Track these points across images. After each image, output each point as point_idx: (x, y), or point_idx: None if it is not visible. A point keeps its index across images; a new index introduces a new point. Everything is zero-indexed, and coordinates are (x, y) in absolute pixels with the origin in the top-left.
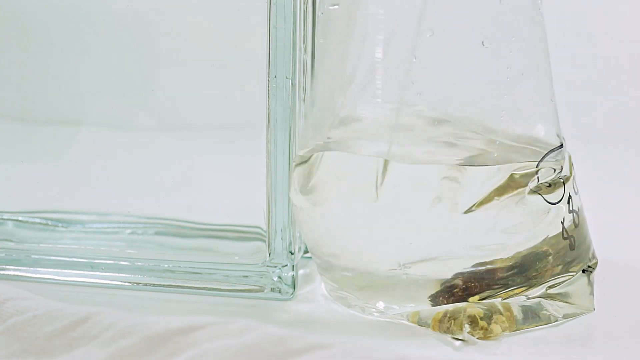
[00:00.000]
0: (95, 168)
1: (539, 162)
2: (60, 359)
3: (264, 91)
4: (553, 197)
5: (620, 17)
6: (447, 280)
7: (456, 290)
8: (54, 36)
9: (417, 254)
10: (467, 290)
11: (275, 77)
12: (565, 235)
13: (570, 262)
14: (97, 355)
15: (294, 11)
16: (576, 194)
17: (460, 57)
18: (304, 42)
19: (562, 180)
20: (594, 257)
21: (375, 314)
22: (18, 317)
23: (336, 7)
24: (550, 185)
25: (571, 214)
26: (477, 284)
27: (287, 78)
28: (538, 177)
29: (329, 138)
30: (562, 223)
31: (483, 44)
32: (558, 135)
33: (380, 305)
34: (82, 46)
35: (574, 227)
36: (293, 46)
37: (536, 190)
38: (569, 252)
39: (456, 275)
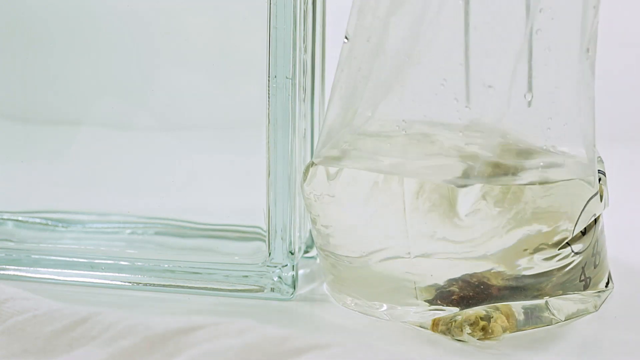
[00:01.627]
0: (95, 168)
1: (578, 218)
2: (60, 359)
3: (264, 91)
4: (580, 245)
5: (620, 17)
6: (442, 287)
7: (454, 297)
8: (54, 36)
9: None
10: (464, 300)
11: (275, 77)
12: (582, 278)
13: (580, 291)
14: (97, 355)
15: (294, 11)
16: (602, 233)
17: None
18: (304, 42)
19: (594, 219)
20: (609, 283)
21: (379, 316)
22: (18, 317)
23: (346, 41)
24: (584, 233)
25: (593, 257)
26: (473, 295)
27: (287, 78)
28: (576, 227)
29: (346, 142)
30: (583, 268)
31: (525, 97)
32: (592, 184)
33: (383, 307)
34: (82, 46)
35: (593, 268)
36: (293, 46)
37: (569, 243)
38: (581, 290)
39: (450, 282)
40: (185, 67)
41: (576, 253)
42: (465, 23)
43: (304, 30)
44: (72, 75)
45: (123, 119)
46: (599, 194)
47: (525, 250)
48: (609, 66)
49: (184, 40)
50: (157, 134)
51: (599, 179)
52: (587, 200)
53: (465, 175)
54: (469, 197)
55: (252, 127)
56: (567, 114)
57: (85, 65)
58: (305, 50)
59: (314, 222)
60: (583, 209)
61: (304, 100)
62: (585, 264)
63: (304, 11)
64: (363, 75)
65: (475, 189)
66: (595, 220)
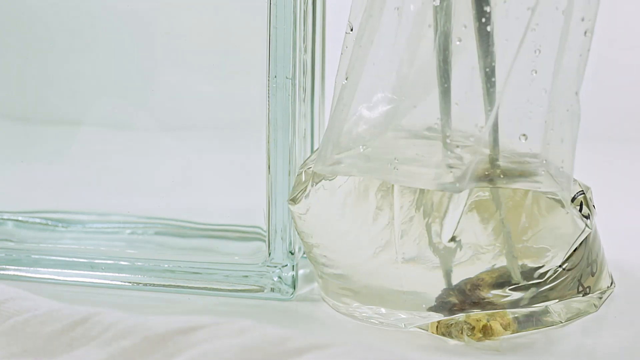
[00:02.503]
0: (95, 168)
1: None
2: (60, 359)
3: (264, 91)
4: (571, 262)
5: (620, 17)
6: (441, 296)
7: (455, 308)
8: (54, 36)
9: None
10: (465, 310)
11: (275, 77)
12: (581, 289)
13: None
14: (97, 355)
15: (294, 11)
16: (595, 240)
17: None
18: (304, 42)
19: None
20: (611, 283)
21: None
22: (18, 317)
23: (346, 81)
24: (574, 250)
25: (589, 267)
26: (472, 305)
27: (287, 78)
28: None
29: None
30: (579, 280)
31: (519, 138)
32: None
33: (381, 310)
34: (82, 46)
35: (590, 277)
36: (293, 46)
37: (560, 265)
38: (582, 297)
39: (447, 292)
40: (185, 67)
41: (568, 270)
42: (440, 70)
43: (304, 30)
44: (72, 75)
45: (123, 119)
46: (586, 234)
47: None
48: (609, 66)
49: (184, 40)
50: (157, 134)
51: (581, 192)
52: (574, 240)
53: (458, 176)
54: (453, 218)
55: (252, 127)
56: (560, 158)
57: (85, 65)
58: (305, 50)
59: (300, 237)
60: (571, 248)
61: (304, 100)
62: (581, 276)
63: (304, 11)
64: (341, 109)
65: (459, 211)
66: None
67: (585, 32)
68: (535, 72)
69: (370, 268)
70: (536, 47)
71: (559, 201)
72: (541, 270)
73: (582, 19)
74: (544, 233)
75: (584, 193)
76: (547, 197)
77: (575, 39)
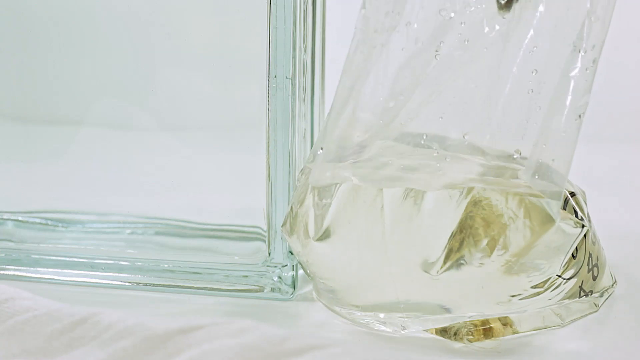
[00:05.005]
0: (95, 168)
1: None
2: (60, 359)
3: (264, 91)
4: (572, 270)
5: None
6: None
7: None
8: (53, 36)
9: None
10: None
11: (275, 77)
12: (582, 294)
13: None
14: (97, 355)
15: (294, 11)
16: (594, 244)
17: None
18: (304, 42)
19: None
20: (613, 282)
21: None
22: (18, 317)
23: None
24: (575, 256)
25: (590, 273)
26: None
27: (287, 78)
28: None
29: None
30: (580, 287)
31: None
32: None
33: (380, 315)
34: (82, 46)
35: (592, 281)
36: (293, 46)
37: (559, 275)
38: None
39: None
40: (185, 67)
41: (569, 279)
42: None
43: (304, 30)
44: (72, 75)
45: (123, 119)
46: (581, 236)
47: (513, 296)
48: (609, 66)
49: (184, 40)
50: (157, 134)
51: (573, 194)
52: (569, 247)
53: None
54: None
55: (252, 127)
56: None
57: (85, 65)
58: (305, 50)
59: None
60: (567, 254)
61: (304, 100)
62: (582, 283)
63: (304, 11)
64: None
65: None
66: (585, 235)
67: (594, 60)
68: (532, 91)
69: (365, 286)
70: (534, 68)
71: (550, 215)
72: (540, 280)
73: (593, 47)
74: (539, 249)
75: (575, 195)
76: (540, 212)
77: (584, 66)
